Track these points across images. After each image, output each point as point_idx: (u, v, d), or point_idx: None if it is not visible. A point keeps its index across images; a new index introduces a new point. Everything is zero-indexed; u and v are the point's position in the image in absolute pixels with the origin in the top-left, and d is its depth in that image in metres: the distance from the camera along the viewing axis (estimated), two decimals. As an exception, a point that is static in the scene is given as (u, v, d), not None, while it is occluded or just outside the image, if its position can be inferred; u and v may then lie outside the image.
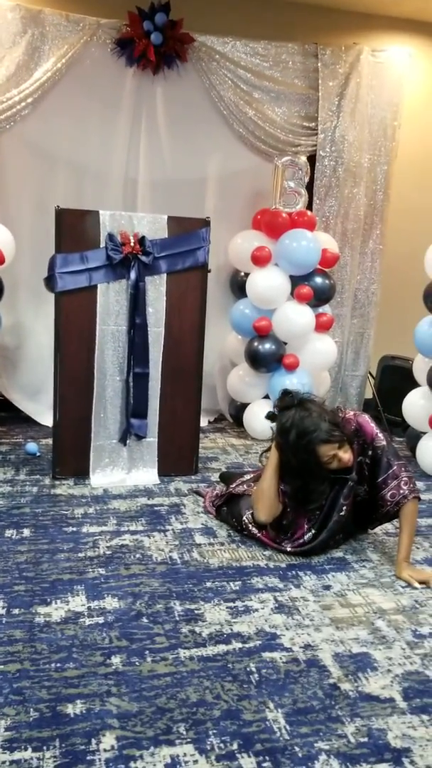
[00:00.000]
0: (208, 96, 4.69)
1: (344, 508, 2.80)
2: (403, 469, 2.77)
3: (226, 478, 3.52)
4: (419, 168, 5.29)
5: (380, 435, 2.78)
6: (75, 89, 4.46)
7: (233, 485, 3.19)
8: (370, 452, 2.78)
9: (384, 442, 2.77)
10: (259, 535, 2.91)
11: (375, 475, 2.78)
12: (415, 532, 2.78)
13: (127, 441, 3.62)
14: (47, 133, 4.47)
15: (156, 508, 3.29)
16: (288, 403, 2.76)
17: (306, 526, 2.83)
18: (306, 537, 2.84)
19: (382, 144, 5.06)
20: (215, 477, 3.75)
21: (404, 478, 2.75)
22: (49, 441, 3.78)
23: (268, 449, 2.92)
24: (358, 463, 2.79)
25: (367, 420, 2.80)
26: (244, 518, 2.95)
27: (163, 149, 4.66)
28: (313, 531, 2.83)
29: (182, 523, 3.12)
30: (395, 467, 2.75)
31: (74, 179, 4.58)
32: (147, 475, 3.66)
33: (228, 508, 3.11)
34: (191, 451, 3.80)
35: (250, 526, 2.93)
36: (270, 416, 2.85)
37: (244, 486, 3.14)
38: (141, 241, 3.43)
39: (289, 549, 2.84)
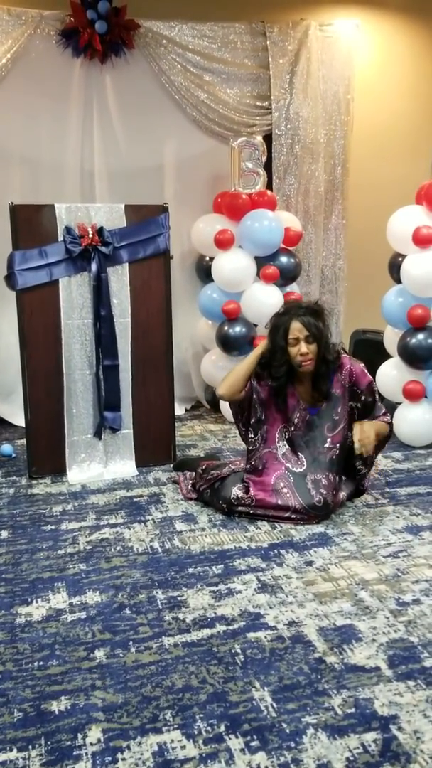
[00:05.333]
0: (159, 82, 4.65)
1: (329, 440, 2.97)
2: (386, 415, 3.07)
3: (186, 464, 3.54)
4: (376, 139, 5.28)
5: (374, 384, 3.04)
6: (23, 84, 4.40)
7: (207, 467, 3.22)
8: (363, 398, 2.99)
9: (377, 391, 3.06)
10: (250, 495, 2.95)
11: (372, 416, 3.03)
12: (382, 435, 3.01)
13: (102, 434, 3.59)
14: (-2, 131, 4.41)
15: (135, 500, 3.27)
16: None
17: (278, 442, 3.04)
18: (283, 453, 3.02)
19: (337, 118, 5.05)
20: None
21: (388, 416, 3.08)
22: (24, 441, 3.74)
23: None
24: (349, 408, 2.99)
25: (363, 370, 3.01)
26: (232, 496, 2.98)
27: (117, 138, 4.62)
28: (287, 446, 3.02)
29: (162, 512, 3.10)
30: (384, 410, 3.06)
31: (30, 175, 4.53)
32: (125, 468, 3.64)
33: (212, 491, 3.10)
34: (168, 439, 3.78)
35: (241, 499, 2.96)
36: None
37: (231, 466, 3.18)
38: (99, 231, 3.40)
39: (282, 484, 2.94)
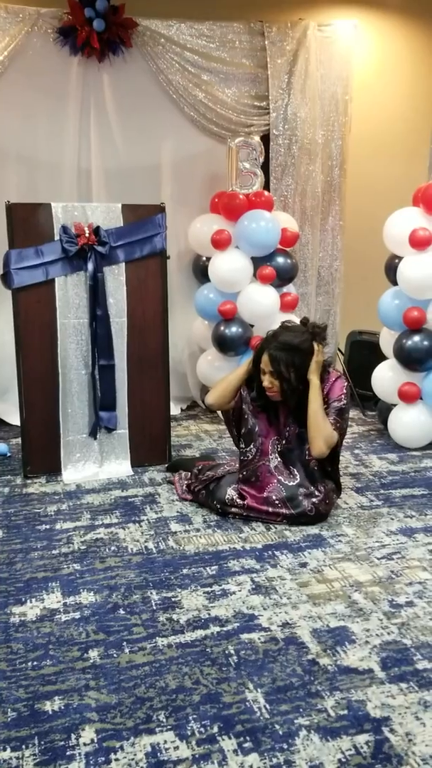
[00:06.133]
0: (156, 81, 4.64)
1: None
2: (336, 425, 2.91)
3: (180, 465, 3.54)
4: (374, 141, 5.29)
5: (342, 399, 2.95)
6: (20, 81, 4.39)
7: (202, 467, 3.24)
8: (325, 407, 2.93)
9: (339, 404, 2.94)
10: (243, 502, 2.96)
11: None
12: (318, 413, 2.88)
13: (98, 434, 3.59)
14: (-5, 129, 4.40)
15: (130, 500, 3.27)
16: (304, 321, 3.08)
17: (271, 455, 3.02)
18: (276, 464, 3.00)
19: (335, 119, 5.05)
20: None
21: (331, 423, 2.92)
22: (20, 440, 3.73)
23: None
24: None
25: (341, 385, 2.97)
26: (227, 497, 2.99)
27: (114, 137, 4.60)
28: (279, 459, 3.00)
29: (157, 513, 3.10)
30: (331, 419, 2.91)
31: (26, 174, 4.51)
32: (120, 467, 3.64)
33: (207, 491, 3.11)
34: (163, 439, 3.78)
35: (235, 500, 2.97)
36: None
37: (227, 467, 3.19)
38: (96, 231, 3.39)
39: (274, 497, 2.94)
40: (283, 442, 3.03)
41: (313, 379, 2.89)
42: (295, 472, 2.99)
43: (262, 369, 2.92)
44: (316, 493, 2.94)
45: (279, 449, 3.03)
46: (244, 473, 3.01)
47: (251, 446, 3.01)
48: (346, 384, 2.99)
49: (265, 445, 3.02)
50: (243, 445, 3.04)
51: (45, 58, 4.41)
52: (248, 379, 3.04)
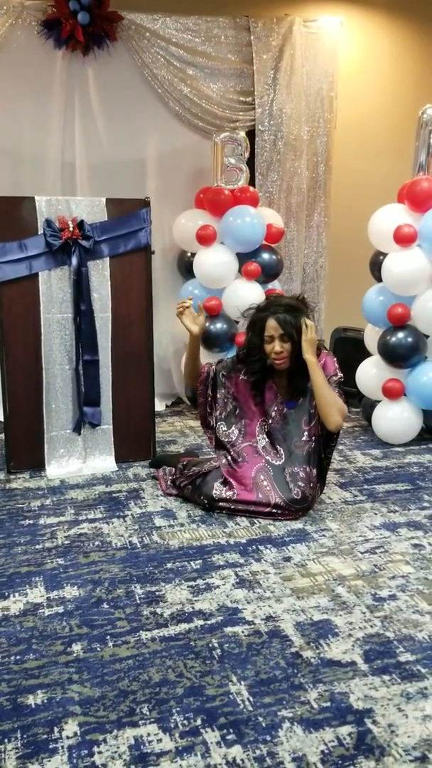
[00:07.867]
0: (141, 75, 4.63)
1: (305, 433, 2.99)
2: (342, 399, 2.97)
3: (164, 461, 3.54)
4: (359, 138, 5.31)
5: (338, 372, 3.02)
6: (3, 74, 4.36)
7: (188, 462, 3.24)
8: None
9: (337, 378, 3.01)
10: (231, 493, 2.96)
11: None
12: (325, 387, 2.90)
13: (82, 430, 3.58)
14: (-22, 122, 4.36)
15: (114, 495, 3.26)
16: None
17: (258, 435, 3.08)
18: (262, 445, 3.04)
19: (320, 115, 5.06)
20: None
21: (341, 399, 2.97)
22: (3, 436, 3.71)
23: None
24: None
25: (332, 360, 3.04)
26: (214, 492, 2.99)
27: (99, 131, 4.58)
28: (266, 439, 3.04)
29: (141, 508, 3.10)
30: (336, 393, 2.96)
31: (10, 167, 4.49)
32: (104, 463, 3.63)
33: (193, 487, 3.11)
34: (148, 435, 3.77)
35: (223, 493, 2.98)
36: None
37: (213, 462, 3.19)
38: (80, 225, 3.37)
39: (262, 477, 2.97)
40: (269, 422, 3.06)
41: (309, 357, 2.90)
42: (281, 452, 3.03)
43: (268, 338, 2.93)
44: (302, 474, 2.96)
45: (266, 429, 3.07)
46: (231, 455, 3.07)
47: (233, 428, 3.09)
48: (335, 358, 3.04)
49: (251, 428, 3.09)
50: (224, 427, 3.11)
51: (29, 51, 4.39)
52: (241, 359, 3.07)
